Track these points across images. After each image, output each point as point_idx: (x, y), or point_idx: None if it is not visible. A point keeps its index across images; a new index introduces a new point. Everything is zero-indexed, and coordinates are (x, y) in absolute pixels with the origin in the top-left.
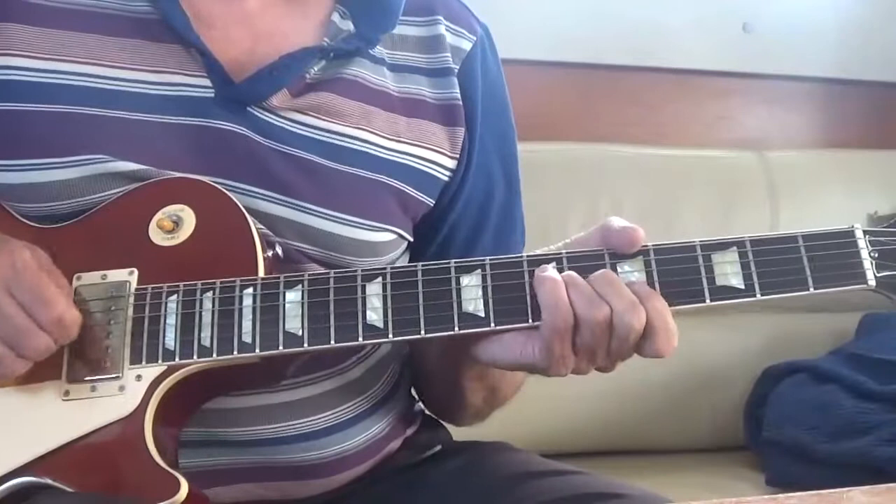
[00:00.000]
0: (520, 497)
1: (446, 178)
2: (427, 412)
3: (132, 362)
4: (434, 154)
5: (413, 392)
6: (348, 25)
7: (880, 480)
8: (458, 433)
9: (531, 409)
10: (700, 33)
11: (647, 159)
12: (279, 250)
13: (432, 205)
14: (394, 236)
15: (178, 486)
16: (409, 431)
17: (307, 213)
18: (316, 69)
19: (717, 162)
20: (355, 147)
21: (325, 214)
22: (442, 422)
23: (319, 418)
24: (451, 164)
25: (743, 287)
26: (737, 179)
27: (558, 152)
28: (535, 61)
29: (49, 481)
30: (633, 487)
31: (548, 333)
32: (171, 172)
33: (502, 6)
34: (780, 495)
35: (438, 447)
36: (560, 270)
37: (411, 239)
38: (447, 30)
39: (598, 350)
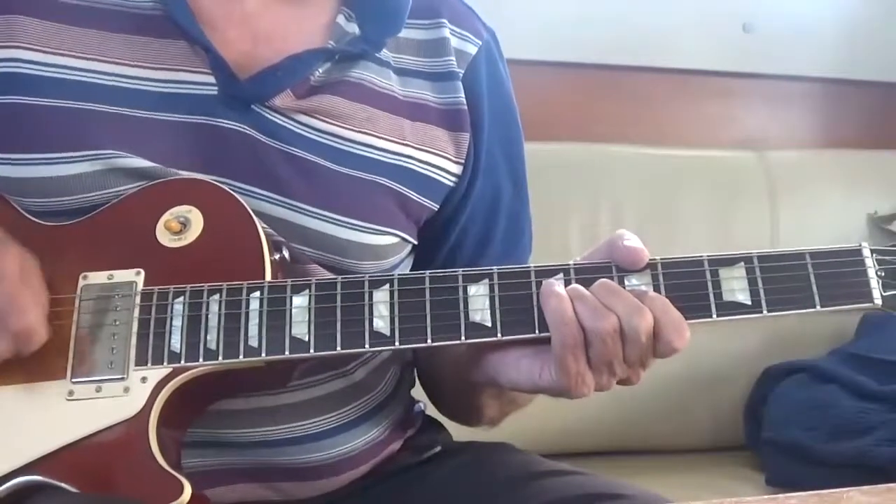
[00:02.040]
0: (520, 497)
1: (451, 184)
2: (427, 413)
3: (137, 364)
4: (438, 159)
5: (412, 394)
6: (353, 28)
7: (880, 480)
8: (459, 434)
9: (531, 410)
10: (700, 33)
11: (647, 159)
12: (286, 253)
13: (436, 209)
14: (396, 240)
15: (181, 488)
16: (410, 432)
17: (306, 214)
18: (320, 71)
19: (717, 162)
20: (357, 151)
21: (325, 217)
22: (443, 423)
23: (321, 420)
24: (457, 169)
25: (750, 303)
26: (737, 179)
27: (558, 152)
28: (535, 61)
29: (52, 481)
30: (633, 487)
31: (559, 350)
32: (174, 170)
33: (502, 6)
34: (780, 495)
35: (438, 448)
36: (567, 283)
37: (415, 242)
38: (452, 33)
39: (614, 361)
